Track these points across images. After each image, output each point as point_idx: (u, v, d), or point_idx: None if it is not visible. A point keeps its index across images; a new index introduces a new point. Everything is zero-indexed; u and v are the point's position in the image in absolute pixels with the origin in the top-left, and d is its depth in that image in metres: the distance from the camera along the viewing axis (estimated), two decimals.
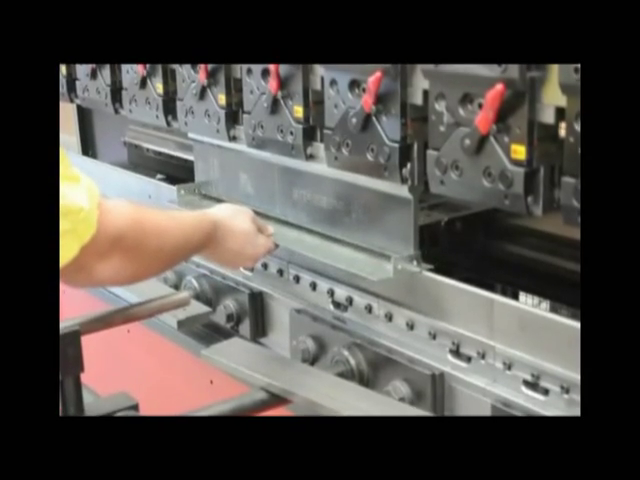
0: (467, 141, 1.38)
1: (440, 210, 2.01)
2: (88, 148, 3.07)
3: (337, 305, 1.82)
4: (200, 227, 1.59)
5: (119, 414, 1.47)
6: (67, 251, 1.23)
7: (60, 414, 1.44)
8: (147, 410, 1.52)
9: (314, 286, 1.86)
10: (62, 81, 2.51)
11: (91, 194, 1.27)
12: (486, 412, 1.49)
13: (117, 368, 2.46)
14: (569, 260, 1.82)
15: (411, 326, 1.64)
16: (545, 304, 1.97)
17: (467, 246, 2.00)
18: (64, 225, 1.20)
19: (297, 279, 1.90)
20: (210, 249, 1.62)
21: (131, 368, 2.43)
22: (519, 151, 1.32)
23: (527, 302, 1.93)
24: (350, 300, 1.77)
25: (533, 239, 1.93)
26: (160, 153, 2.72)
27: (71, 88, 2.52)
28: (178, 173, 2.60)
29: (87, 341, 1.51)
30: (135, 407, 1.50)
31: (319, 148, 1.74)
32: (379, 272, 1.64)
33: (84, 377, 1.49)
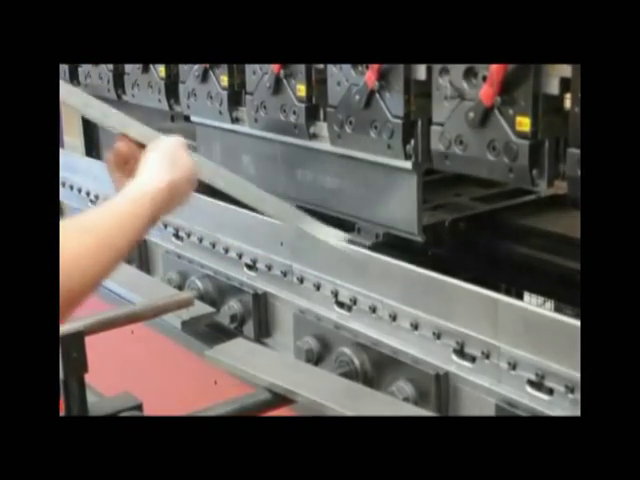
0: (471, 114, 1.37)
1: (444, 210, 2.01)
2: (92, 149, 3.07)
3: (341, 305, 1.82)
4: (140, 211, 1.29)
5: (123, 414, 1.47)
6: None
7: (64, 414, 1.45)
8: (151, 410, 1.52)
9: (318, 286, 1.86)
10: (64, 68, 2.50)
11: None
12: (490, 412, 1.48)
13: (121, 369, 2.46)
14: (573, 260, 1.82)
15: (415, 326, 1.64)
16: (549, 304, 1.97)
17: (471, 246, 2.00)
18: None
19: (301, 280, 1.90)
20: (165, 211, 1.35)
21: (135, 368, 2.43)
22: (524, 123, 1.31)
23: (531, 302, 1.93)
24: (354, 300, 1.77)
25: (537, 239, 1.93)
26: None
27: (73, 75, 2.51)
28: None
29: (91, 342, 1.51)
30: (139, 407, 1.50)
31: (322, 127, 1.74)
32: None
33: (88, 377, 1.49)
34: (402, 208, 1.65)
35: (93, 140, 3.07)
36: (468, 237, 1.99)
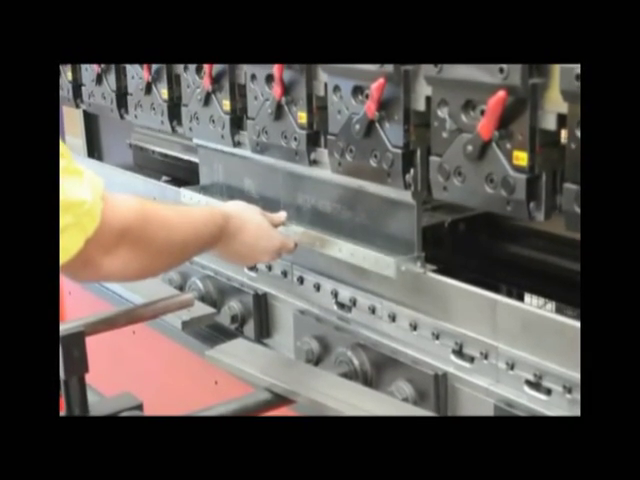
0: (469, 147, 1.38)
1: (443, 211, 2.01)
2: (94, 150, 3.08)
3: (341, 306, 1.82)
4: (211, 220, 1.57)
5: (123, 414, 1.47)
6: (72, 245, 1.22)
7: (65, 414, 1.45)
8: (151, 410, 1.53)
9: (318, 287, 1.86)
10: (68, 87, 2.52)
11: (94, 187, 1.26)
12: (489, 412, 1.49)
13: (122, 369, 2.47)
14: (573, 261, 1.82)
15: (414, 326, 1.64)
16: (550, 305, 1.97)
17: (470, 247, 2.00)
18: (67, 219, 1.19)
19: (301, 280, 1.91)
20: (223, 243, 1.59)
21: (136, 369, 2.44)
22: (521, 157, 1.32)
23: (532, 303, 1.93)
24: (354, 301, 1.77)
25: (537, 240, 1.93)
26: (165, 155, 2.72)
27: (77, 94, 2.52)
28: (183, 175, 2.61)
29: (92, 342, 1.52)
30: (139, 407, 1.50)
31: (323, 154, 1.74)
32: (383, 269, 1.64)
33: (89, 377, 1.49)
34: (402, 237, 1.65)
35: (95, 140, 3.08)
36: (468, 238, 2.00)
